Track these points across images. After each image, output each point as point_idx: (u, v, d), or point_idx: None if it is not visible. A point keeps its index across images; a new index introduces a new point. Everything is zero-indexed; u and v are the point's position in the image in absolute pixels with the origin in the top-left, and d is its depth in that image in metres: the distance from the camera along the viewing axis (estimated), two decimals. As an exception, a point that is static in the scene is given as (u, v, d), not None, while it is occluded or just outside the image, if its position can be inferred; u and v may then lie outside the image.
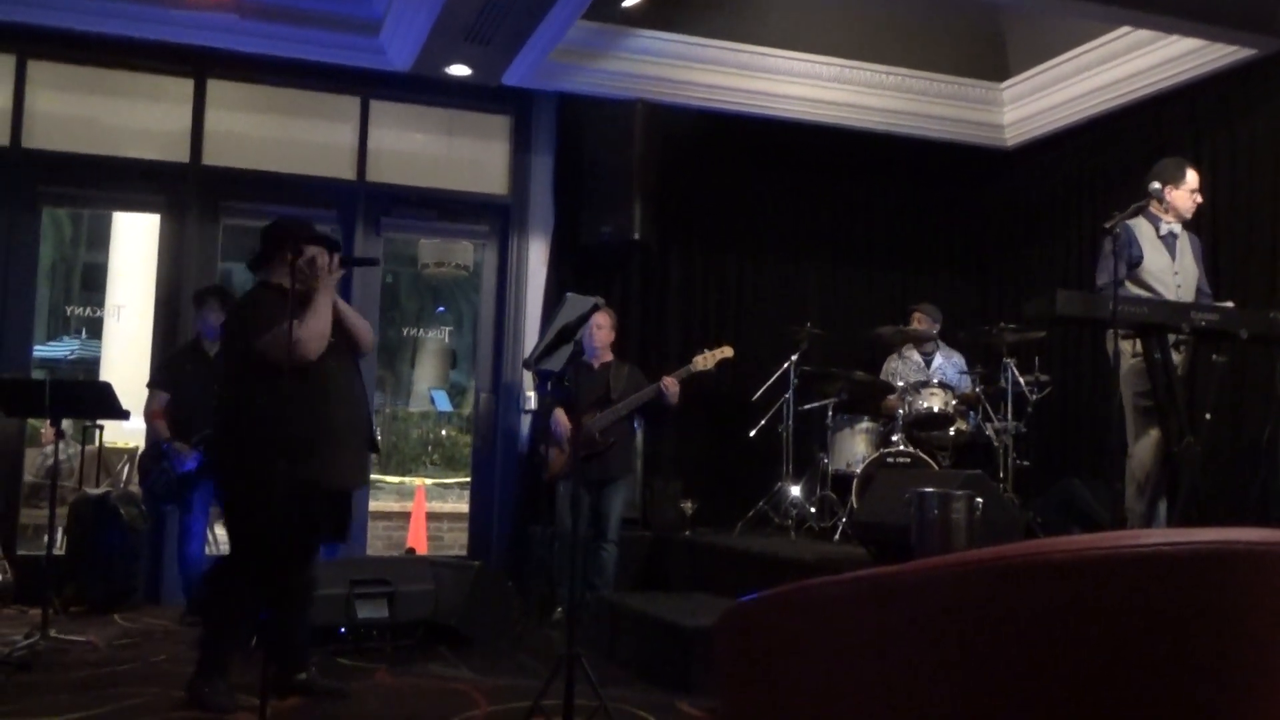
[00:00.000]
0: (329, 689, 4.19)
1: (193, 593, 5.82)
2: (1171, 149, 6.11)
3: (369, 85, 7.13)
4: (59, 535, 6.05)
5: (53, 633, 4.90)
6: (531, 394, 7.14)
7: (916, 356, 7.12)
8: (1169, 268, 5.29)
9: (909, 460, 6.25)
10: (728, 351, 6.03)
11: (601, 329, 6.14)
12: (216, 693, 3.92)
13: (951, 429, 6.53)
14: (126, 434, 7.79)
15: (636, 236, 6.98)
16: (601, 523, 5.98)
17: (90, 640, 5.12)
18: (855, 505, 6.15)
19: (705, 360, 5.93)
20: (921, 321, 7.17)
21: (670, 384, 5.86)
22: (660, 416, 6.19)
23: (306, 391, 3.93)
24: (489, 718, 3.97)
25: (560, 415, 5.92)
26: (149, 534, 6.35)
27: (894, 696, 1.58)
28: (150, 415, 5.85)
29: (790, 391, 6.86)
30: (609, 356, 6.21)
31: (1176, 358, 5.02)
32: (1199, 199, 5.36)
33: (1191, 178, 5.34)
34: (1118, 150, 7.11)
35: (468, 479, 8.62)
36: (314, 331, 3.95)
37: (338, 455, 4.06)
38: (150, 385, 6.01)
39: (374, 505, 8.45)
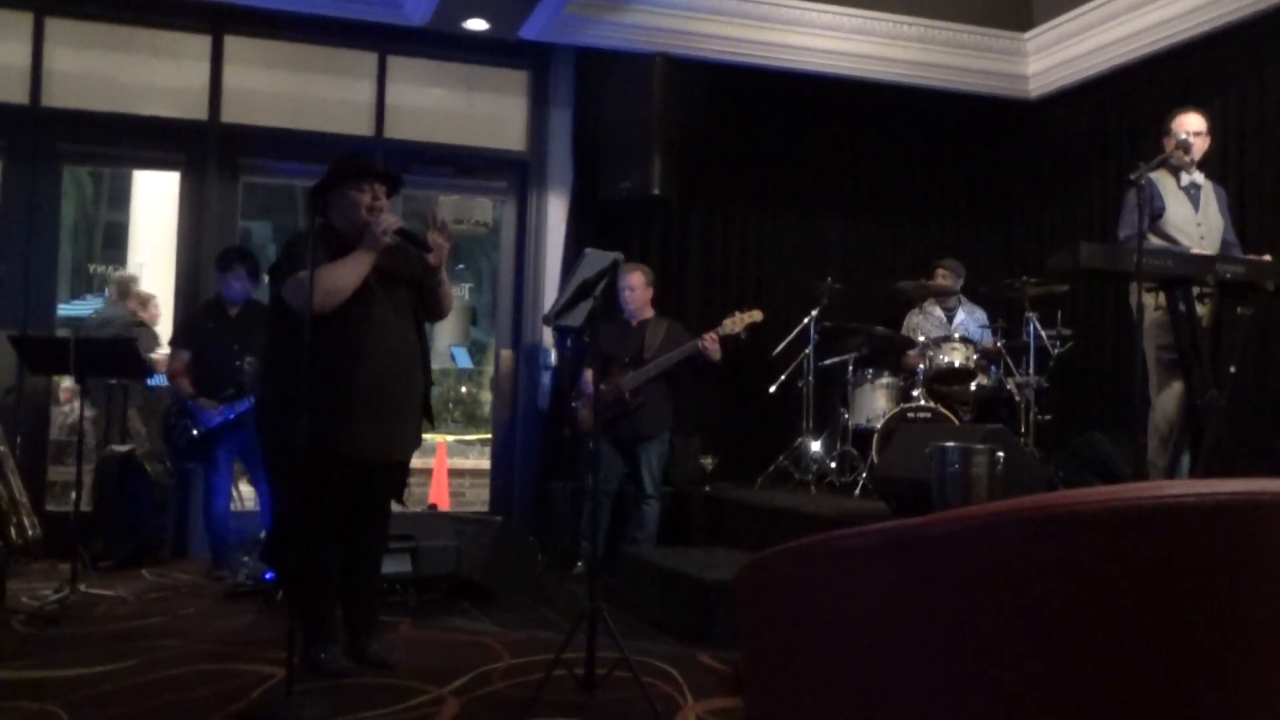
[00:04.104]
0: (338, 668, 3.84)
1: (218, 548, 5.89)
2: (1197, 99, 6.02)
3: (386, 40, 7.08)
4: (85, 492, 6.12)
5: (82, 587, 5.00)
6: (552, 350, 7.15)
7: (939, 312, 7.08)
8: (1192, 219, 5.23)
9: (929, 415, 6.22)
10: (758, 316, 5.93)
11: (635, 290, 6.11)
12: (330, 658, 3.85)
13: (972, 384, 6.50)
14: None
15: (656, 192, 6.93)
16: (638, 479, 6.01)
17: (119, 594, 5.20)
18: (876, 460, 6.14)
19: (735, 324, 5.86)
20: (946, 277, 7.12)
21: (711, 340, 5.80)
22: (703, 374, 6.12)
23: (343, 351, 3.72)
24: (512, 670, 4.01)
25: (589, 375, 5.91)
26: (175, 489, 6.42)
27: (914, 648, 1.59)
28: (172, 373, 5.90)
29: (810, 347, 6.85)
30: (649, 314, 6.19)
31: (1201, 310, 4.97)
32: (1196, 142, 5.25)
33: (1179, 122, 5.28)
34: (1143, 101, 7.00)
35: (489, 435, 8.65)
36: (323, 284, 3.56)
37: (377, 424, 3.81)
38: (172, 343, 6.05)
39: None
